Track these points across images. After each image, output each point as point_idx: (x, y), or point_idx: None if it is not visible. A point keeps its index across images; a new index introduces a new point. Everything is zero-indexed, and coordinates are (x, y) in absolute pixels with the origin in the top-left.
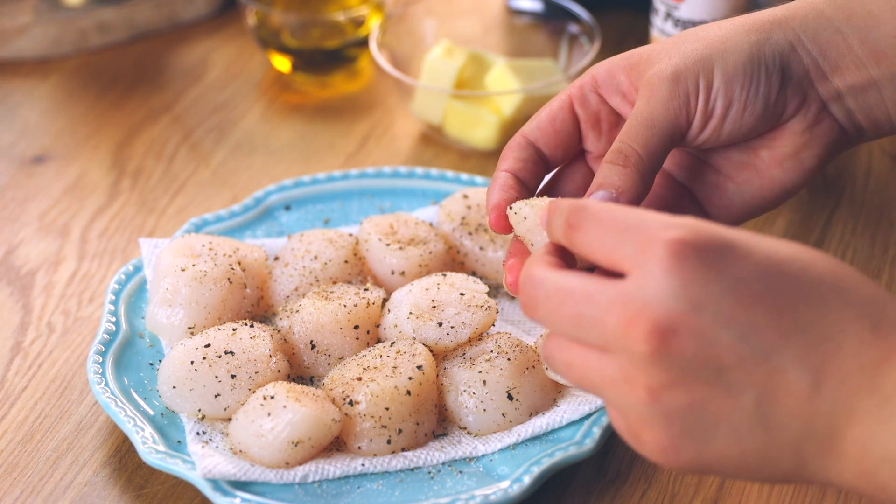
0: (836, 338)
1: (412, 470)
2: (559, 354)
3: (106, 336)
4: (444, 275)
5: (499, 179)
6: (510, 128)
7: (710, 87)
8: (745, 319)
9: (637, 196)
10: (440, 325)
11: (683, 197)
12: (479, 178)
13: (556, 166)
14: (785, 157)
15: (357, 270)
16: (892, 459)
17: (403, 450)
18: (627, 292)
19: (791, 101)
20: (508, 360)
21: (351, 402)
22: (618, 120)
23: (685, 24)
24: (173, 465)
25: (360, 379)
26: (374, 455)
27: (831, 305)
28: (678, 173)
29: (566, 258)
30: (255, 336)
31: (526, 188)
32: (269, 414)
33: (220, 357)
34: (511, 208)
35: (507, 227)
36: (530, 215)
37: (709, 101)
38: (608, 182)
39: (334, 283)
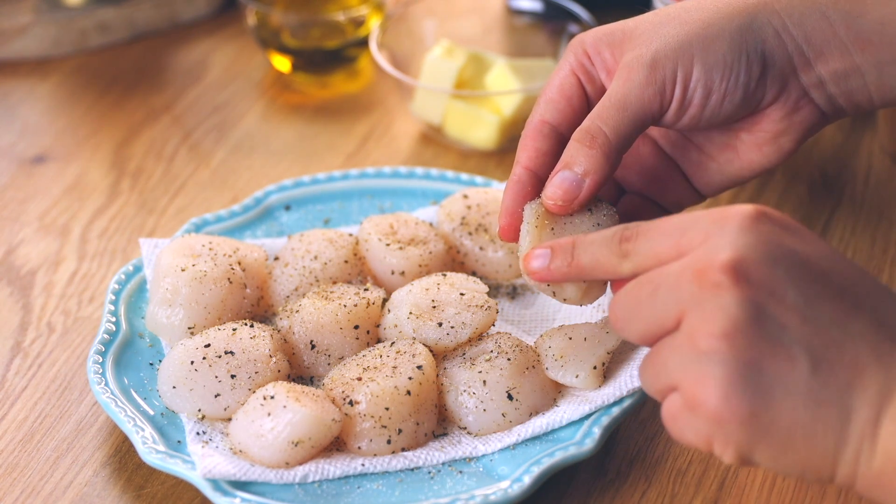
0: (890, 324)
1: (412, 470)
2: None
3: (106, 336)
4: (444, 275)
5: (514, 177)
6: (510, 128)
7: (688, 76)
8: (812, 289)
9: (602, 178)
10: (440, 325)
11: (671, 168)
12: (479, 178)
13: None
14: (764, 142)
15: (357, 270)
16: None
17: (403, 450)
18: (700, 253)
19: (770, 89)
20: (508, 360)
21: (351, 402)
22: None
23: None
24: (173, 465)
25: (360, 379)
26: (374, 455)
27: (883, 296)
28: (666, 146)
29: None
30: (255, 336)
31: (542, 183)
32: (269, 414)
33: (220, 357)
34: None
35: (514, 237)
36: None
37: (687, 90)
38: (574, 161)
39: (334, 283)
